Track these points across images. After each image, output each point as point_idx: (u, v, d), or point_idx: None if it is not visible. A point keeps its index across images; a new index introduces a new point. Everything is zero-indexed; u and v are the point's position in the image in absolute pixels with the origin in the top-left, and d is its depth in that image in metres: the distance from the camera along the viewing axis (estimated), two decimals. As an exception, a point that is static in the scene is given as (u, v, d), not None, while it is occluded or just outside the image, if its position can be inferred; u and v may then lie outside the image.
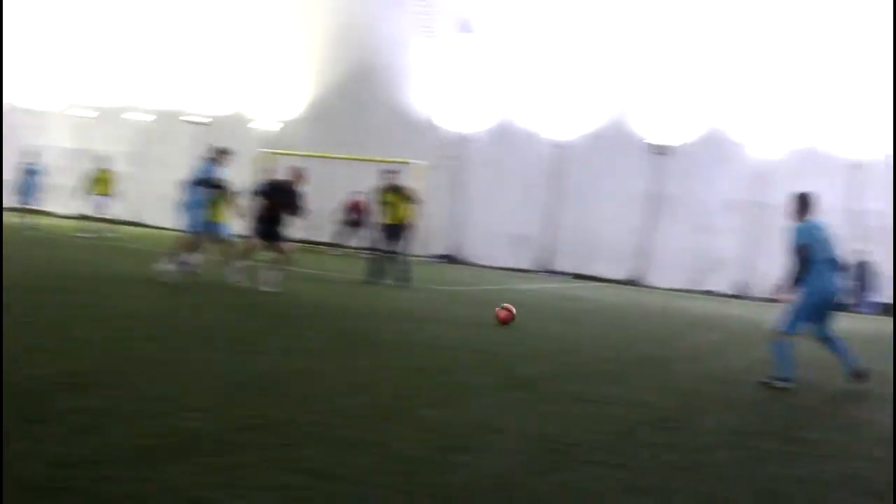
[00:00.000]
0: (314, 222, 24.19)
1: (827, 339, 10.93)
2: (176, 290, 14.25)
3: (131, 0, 34.04)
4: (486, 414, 7.38)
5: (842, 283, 10.86)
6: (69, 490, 4.64)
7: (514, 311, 13.80)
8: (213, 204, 16.17)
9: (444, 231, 29.85)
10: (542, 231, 27.68)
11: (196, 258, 16.27)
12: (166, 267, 15.50)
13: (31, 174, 27.31)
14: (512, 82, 28.43)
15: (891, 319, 19.60)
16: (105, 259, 19.28)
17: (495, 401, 8.02)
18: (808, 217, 10.83)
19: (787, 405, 9.33)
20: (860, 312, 23.32)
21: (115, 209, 27.97)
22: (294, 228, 17.05)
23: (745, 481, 6.15)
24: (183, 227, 16.24)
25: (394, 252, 19.51)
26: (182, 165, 22.59)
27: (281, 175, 16.94)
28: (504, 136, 28.89)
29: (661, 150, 26.51)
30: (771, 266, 25.15)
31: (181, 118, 33.57)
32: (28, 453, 5.17)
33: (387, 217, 19.60)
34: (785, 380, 10.29)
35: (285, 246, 16.02)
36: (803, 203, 10.91)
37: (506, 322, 13.60)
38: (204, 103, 33.55)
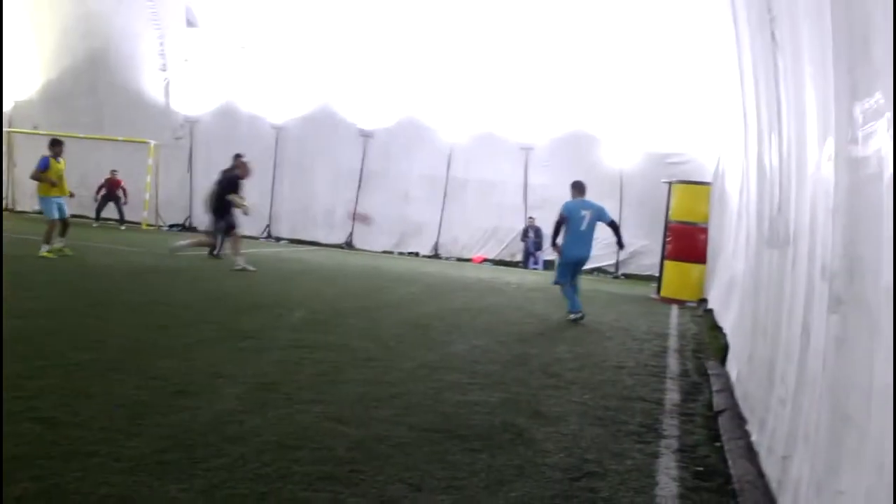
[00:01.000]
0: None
1: (572, 287, 12.78)
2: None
3: None
4: (211, 362, 7.39)
5: (588, 250, 12.80)
6: None
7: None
8: None
9: (179, 202, 29.14)
10: (264, 202, 27.44)
11: None
12: None
13: None
14: (235, 70, 28.04)
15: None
16: None
17: (221, 350, 8.03)
18: (579, 197, 12.85)
19: (471, 345, 9.83)
20: (533, 268, 24.75)
21: None
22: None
23: (431, 407, 6.51)
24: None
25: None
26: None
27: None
28: (229, 119, 28.45)
29: (366, 134, 26.94)
30: (460, 231, 26.33)
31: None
32: None
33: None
34: (575, 312, 12.59)
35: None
36: (576, 188, 12.99)
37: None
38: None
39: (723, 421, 6.63)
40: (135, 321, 9.36)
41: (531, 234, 25.08)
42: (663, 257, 18.92)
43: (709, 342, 11.53)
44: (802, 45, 4.46)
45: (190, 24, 28.16)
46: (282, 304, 11.92)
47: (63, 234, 16.14)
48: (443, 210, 26.37)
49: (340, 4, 26.37)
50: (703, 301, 16.48)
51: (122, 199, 28.32)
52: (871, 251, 2.91)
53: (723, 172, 14.90)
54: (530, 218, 25.14)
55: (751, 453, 5.56)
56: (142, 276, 14.37)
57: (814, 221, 4.13)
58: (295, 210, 27.96)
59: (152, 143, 28.26)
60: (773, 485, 4.71)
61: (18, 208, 30.50)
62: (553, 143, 25.04)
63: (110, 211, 28.21)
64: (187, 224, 28.77)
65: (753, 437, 5.77)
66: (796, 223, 4.83)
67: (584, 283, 14.93)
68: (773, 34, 5.58)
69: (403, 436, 5.65)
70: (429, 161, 26.31)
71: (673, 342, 11.56)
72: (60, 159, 16.19)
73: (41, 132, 29.71)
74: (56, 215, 15.98)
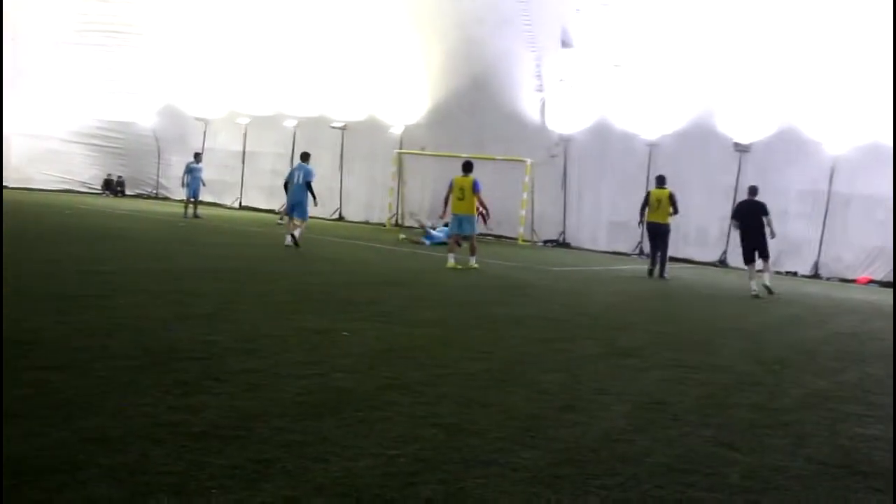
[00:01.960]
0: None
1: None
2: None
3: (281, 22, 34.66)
4: (595, 378, 7.44)
5: None
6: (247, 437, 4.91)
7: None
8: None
9: (553, 219, 29.84)
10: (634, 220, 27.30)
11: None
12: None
13: (191, 172, 28.77)
14: (609, 88, 28.24)
15: None
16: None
17: (603, 366, 8.07)
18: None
19: (864, 373, 9.13)
20: None
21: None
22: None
23: (827, 439, 6.10)
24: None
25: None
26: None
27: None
28: (602, 136, 28.71)
29: (742, 148, 25.98)
30: (842, 249, 24.55)
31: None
32: (208, 405, 5.48)
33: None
34: None
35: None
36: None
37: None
38: (341, 110, 34.11)
39: None
40: (519, 333, 9.68)
41: None
42: None
43: None
44: None
45: (565, 44, 28.82)
46: (652, 321, 11.81)
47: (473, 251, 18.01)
48: (823, 227, 24.80)
49: (715, 15, 25.72)
50: None
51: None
52: None
53: None
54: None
55: None
56: (522, 290, 14.89)
57: None
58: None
59: (528, 161, 29.18)
60: None
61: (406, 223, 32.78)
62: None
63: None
64: (561, 240, 29.35)
65: None
66: None
67: None
68: None
69: (801, 468, 5.33)
70: (809, 175, 24.88)
71: None
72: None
73: (427, 153, 31.94)
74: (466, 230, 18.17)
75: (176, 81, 38.05)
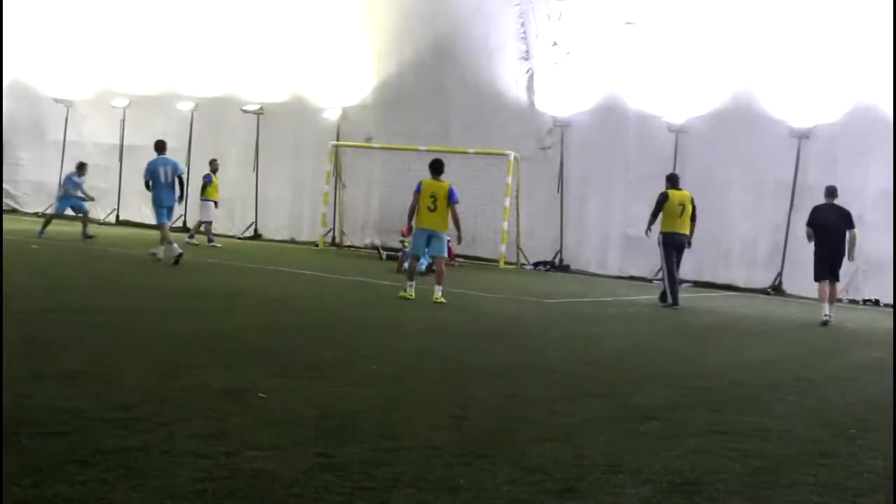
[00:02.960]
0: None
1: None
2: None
3: None
4: (605, 450, 7.44)
5: None
6: None
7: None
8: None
9: (547, 234, 29.84)
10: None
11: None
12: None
13: (74, 186, 28.74)
14: (619, 54, 28.13)
15: None
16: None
17: (615, 434, 8.08)
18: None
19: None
20: None
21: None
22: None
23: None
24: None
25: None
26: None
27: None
28: (610, 119, 28.58)
29: (801, 133, 25.99)
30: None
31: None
32: (71, 499, 5.41)
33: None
34: None
35: None
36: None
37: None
38: (256, 88, 33.98)
39: None
40: (500, 390, 9.67)
41: None
42: None
43: None
44: None
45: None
46: (681, 371, 11.85)
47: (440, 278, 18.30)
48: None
49: None
50: None
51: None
52: None
53: None
54: None
55: None
56: (505, 331, 14.90)
57: None
58: (702, 240, 26.75)
59: (512, 155, 28.91)
60: None
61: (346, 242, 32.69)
62: None
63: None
64: (557, 262, 29.30)
65: None
66: None
67: None
68: None
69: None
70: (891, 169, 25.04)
71: None
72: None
73: (375, 145, 31.64)
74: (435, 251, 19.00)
75: (27, 51, 37.78)
